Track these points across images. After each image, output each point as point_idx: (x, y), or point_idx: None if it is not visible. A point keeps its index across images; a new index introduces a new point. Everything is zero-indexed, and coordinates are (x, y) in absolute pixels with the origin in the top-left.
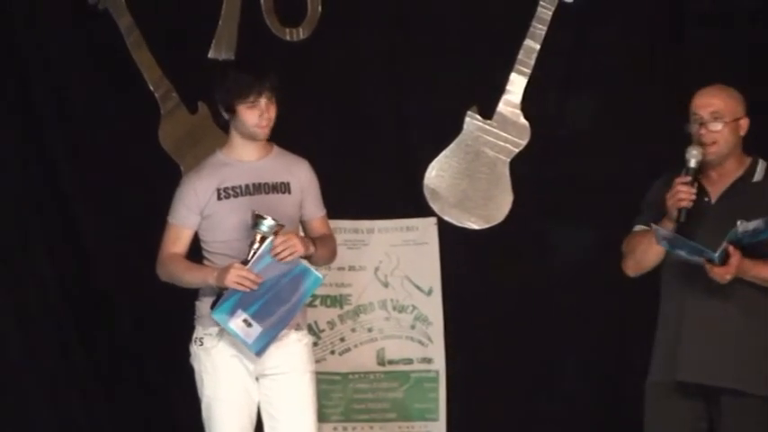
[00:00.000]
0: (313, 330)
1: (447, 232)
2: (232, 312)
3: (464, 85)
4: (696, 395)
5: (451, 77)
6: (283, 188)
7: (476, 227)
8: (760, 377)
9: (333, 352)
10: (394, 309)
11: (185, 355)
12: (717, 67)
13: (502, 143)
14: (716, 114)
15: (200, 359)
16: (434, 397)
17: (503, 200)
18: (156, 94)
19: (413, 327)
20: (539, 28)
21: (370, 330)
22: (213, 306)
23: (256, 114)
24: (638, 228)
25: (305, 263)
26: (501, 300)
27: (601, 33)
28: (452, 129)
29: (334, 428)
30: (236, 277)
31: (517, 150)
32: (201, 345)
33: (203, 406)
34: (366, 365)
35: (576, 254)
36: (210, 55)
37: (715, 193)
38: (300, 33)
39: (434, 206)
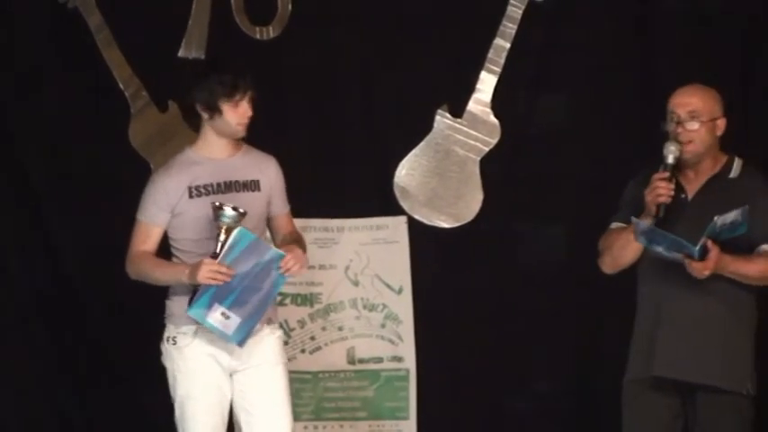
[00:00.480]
0: (283, 329)
1: (417, 231)
2: (209, 307)
3: (434, 83)
4: (673, 392)
5: (422, 76)
6: (253, 186)
7: (446, 225)
8: (736, 374)
9: (303, 351)
10: (364, 307)
11: (157, 352)
12: (687, 66)
13: (472, 142)
14: (693, 114)
15: (172, 358)
16: (405, 396)
17: (473, 198)
18: (126, 93)
19: (383, 325)
20: (509, 27)
21: (340, 329)
22: (190, 304)
23: (239, 113)
24: (614, 225)
25: (274, 248)
26: (471, 298)
27: (571, 32)
28: (423, 127)
29: (305, 427)
30: (208, 273)
31: (487, 149)
32: (175, 344)
33: (176, 405)
34: (336, 364)
35: (546, 252)
36: (181, 54)
37: (692, 190)
38: (271, 32)
39: (404, 205)
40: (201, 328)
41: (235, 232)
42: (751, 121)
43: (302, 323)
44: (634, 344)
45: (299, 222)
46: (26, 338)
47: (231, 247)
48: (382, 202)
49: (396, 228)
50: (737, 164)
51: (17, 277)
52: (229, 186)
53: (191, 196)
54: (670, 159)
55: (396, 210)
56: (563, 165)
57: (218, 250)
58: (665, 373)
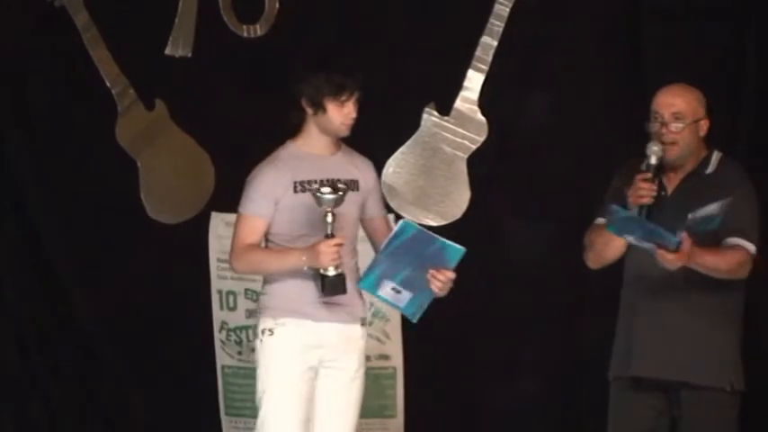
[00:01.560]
0: None
1: None
2: (377, 284)
3: (421, 81)
4: (656, 389)
5: (409, 73)
6: (353, 185)
7: (433, 223)
8: (717, 370)
9: None
10: None
11: (148, 354)
12: (673, 64)
13: (459, 140)
14: (677, 115)
15: (268, 350)
16: (392, 394)
17: (460, 196)
18: (114, 91)
19: (370, 323)
20: (496, 25)
21: None
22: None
23: (345, 113)
24: (599, 221)
25: (443, 240)
26: (459, 297)
27: (558, 30)
28: (410, 125)
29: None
30: (331, 254)
31: (474, 147)
32: (272, 335)
33: (265, 397)
34: None
35: (533, 250)
36: (168, 52)
37: (671, 187)
38: (258, 30)
39: (392, 203)
40: (299, 321)
41: (399, 224)
42: (741, 121)
43: None
44: (615, 343)
45: None
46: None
47: (393, 238)
48: None
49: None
50: (715, 158)
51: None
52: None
53: (296, 191)
54: (653, 160)
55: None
56: (550, 163)
57: (329, 232)
58: (642, 373)
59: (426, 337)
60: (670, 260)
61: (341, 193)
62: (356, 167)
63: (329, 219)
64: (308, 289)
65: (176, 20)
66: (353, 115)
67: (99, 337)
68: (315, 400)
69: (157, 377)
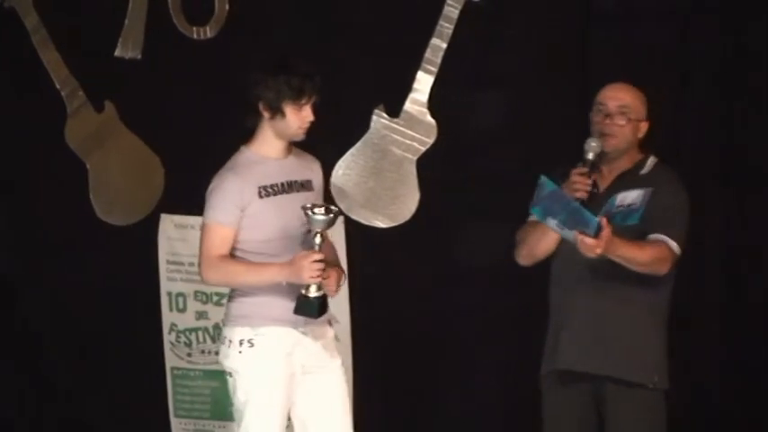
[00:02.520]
0: (220, 329)
1: (354, 231)
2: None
3: (371, 83)
4: (583, 385)
5: (358, 75)
6: (308, 185)
7: (383, 225)
8: (642, 366)
9: None
10: None
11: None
12: (619, 66)
13: (409, 142)
14: (623, 109)
15: (246, 361)
16: None
17: (410, 198)
18: (63, 93)
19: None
20: (446, 27)
21: None
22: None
23: (302, 117)
24: (532, 218)
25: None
26: (408, 298)
27: (507, 33)
28: (359, 127)
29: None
30: (311, 269)
31: (424, 149)
32: (252, 346)
33: (248, 406)
34: None
35: (483, 252)
36: (117, 53)
37: (604, 184)
38: (208, 32)
39: (341, 205)
40: (279, 329)
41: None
42: (685, 123)
43: None
44: (546, 343)
45: None
46: None
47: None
48: None
49: (332, 228)
50: (651, 162)
51: None
52: (291, 186)
53: (260, 196)
54: (590, 156)
55: None
56: (500, 164)
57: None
58: (568, 367)
59: (377, 340)
60: (589, 245)
61: (332, 215)
62: (308, 168)
63: (318, 240)
64: (286, 296)
65: (126, 21)
66: (311, 119)
67: (47, 339)
68: (308, 406)
69: (106, 379)
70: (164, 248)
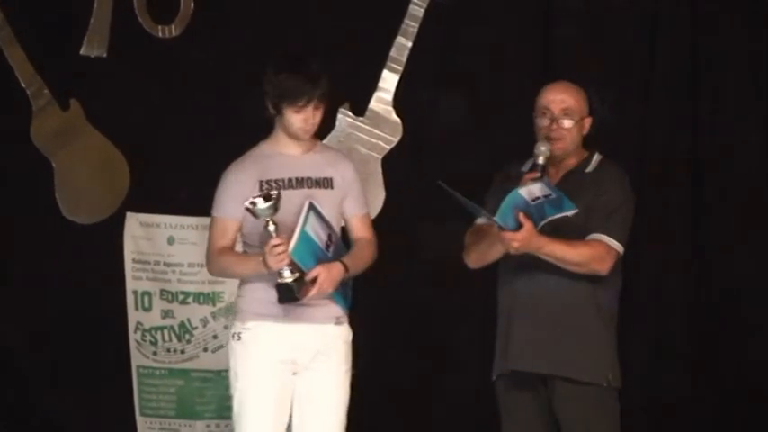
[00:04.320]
0: (186, 328)
1: None
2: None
3: (336, 81)
4: (535, 385)
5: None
6: (326, 183)
7: None
8: (593, 365)
9: (206, 349)
10: None
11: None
12: (585, 64)
13: (374, 140)
14: (567, 111)
15: (236, 354)
16: None
17: (375, 197)
18: (28, 91)
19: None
20: (411, 25)
21: None
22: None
23: (302, 118)
24: (480, 221)
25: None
26: (375, 297)
27: (473, 32)
28: (324, 126)
29: (207, 426)
30: (273, 259)
31: (389, 147)
32: (239, 339)
33: (235, 401)
34: None
35: (449, 251)
36: (83, 52)
37: (552, 184)
38: (173, 31)
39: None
40: (266, 324)
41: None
42: (650, 121)
43: (204, 322)
44: (496, 346)
45: (202, 221)
46: None
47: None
48: None
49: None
50: (596, 159)
51: None
52: (301, 182)
53: (261, 190)
54: (540, 160)
55: None
56: (465, 163)
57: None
58: (519, 367)
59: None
60: (508, 239)
61: (272, 201)
62: (332, 166)
63: (271, 228)
64: (271, 291)
65: (91, 20)
66: (312, 121)
67: (11, 338)
68: (296, 404)
69: (71, 377)
70: (129, 247)
